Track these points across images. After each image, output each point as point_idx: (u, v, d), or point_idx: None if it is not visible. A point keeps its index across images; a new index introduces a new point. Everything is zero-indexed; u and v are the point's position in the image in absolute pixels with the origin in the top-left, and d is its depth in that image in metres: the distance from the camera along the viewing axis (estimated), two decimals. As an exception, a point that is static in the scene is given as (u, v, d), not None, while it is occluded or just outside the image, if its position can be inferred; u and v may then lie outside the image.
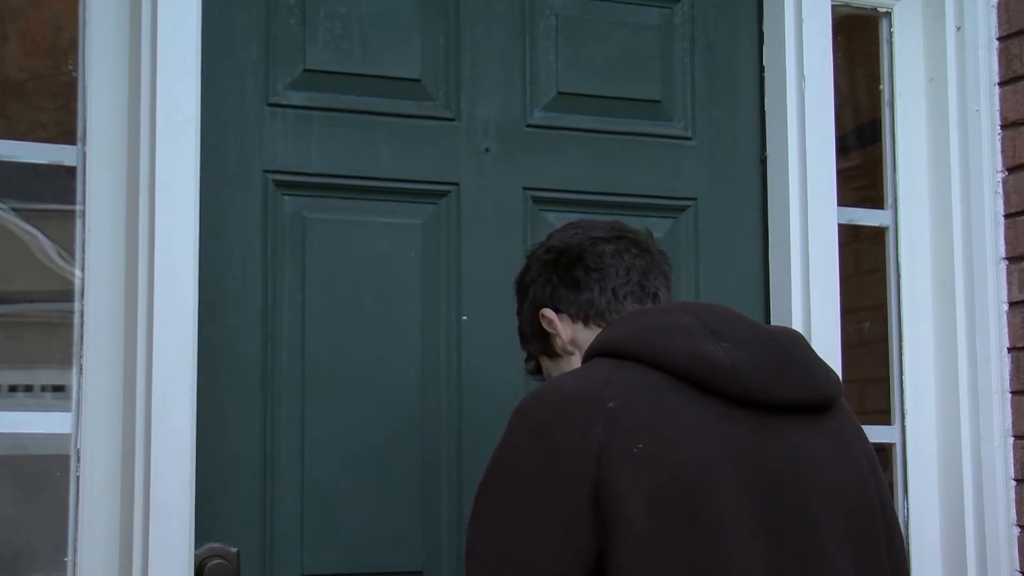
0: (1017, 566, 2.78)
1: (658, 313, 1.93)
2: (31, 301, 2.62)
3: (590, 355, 1.92)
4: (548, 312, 2.08)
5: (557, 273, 2.08)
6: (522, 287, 2.15)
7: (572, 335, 2.07)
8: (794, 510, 1.83)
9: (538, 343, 2.12)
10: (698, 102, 2.78)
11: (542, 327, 2.09)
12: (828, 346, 2.67)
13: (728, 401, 1.82)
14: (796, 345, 1.91)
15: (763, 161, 2.78)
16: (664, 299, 2.07)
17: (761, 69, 2.81)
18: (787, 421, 1.85)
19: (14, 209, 2.54)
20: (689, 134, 2.78)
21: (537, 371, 2.16)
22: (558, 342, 2.08)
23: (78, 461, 2.25)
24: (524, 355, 2.17)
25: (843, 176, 2.80)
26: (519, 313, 2.16)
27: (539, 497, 1.78)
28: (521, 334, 2.16)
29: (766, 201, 2.78)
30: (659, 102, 2.75)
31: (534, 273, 2.12)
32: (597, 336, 1.94)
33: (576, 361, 2.05)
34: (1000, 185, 2.86)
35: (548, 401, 1.83)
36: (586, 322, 2.05)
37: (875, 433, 2.87)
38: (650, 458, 1.77)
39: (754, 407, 1.83)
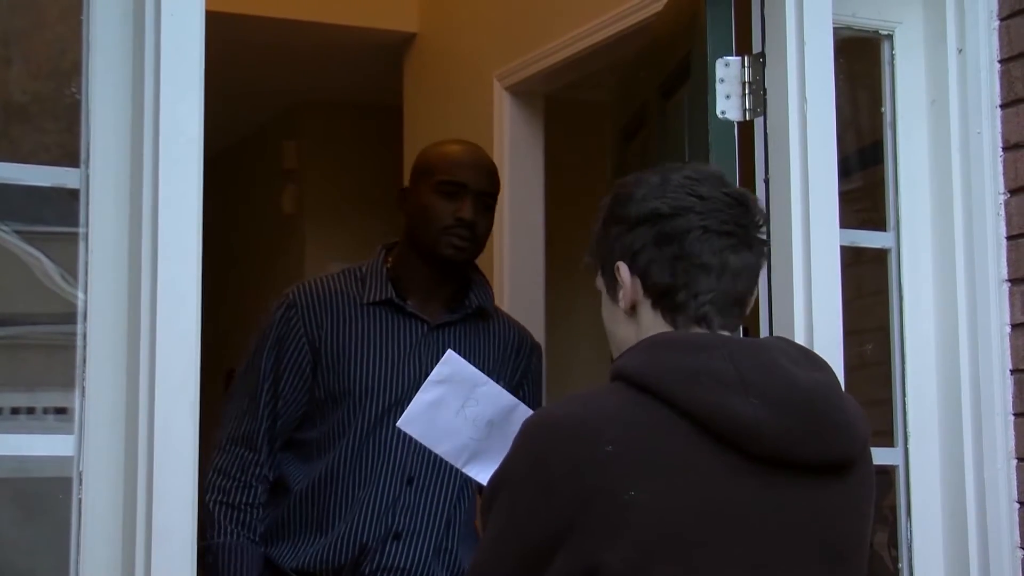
0: (1021, 588, 2.78)
1: (692, 349, 1.86)
2: (33, 323, 2.61)
3: (614, 376, 1.89)
4: (624, 270, 1.96)
5: (652, 239, 1.94)
6: (615, 215, 1.98)
7: (636, 303, 1.96)
8: (798, 569, 1.83)
9: (606, 275, 2.00)
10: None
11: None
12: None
13: (745, 456, 1.80)
14: (827, 403, 1.86)
15: (766, 182, 2.79)
16: (746, 305, 1.97)
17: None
18: (807, 478, 1.83)
19: (17, 231, 2.53)
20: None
21: (593, 270, 2.05)
22: (621, 299, 1.97)
23: (80, 484, 2.25)
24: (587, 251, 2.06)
25: (845, 198, 2.80)
26: (604, 225, 2.00)
27: (519, 529, 1.83)
28: (598, 245, 2.02)
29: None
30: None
31: (632, 213, 1.96)
32: (624, 357, 1.91)
33: (629, 328, 1.96)
34: (1002, 207, 2.86)
35: (551, 431, 1.84)
36: (655, 304, 1.95)
37: (878, 455, 2.83)
38: (643, 506, 1.77)
39: (772, 463, 1.81)
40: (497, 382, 3.06)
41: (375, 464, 3.02)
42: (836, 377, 1.95)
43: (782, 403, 1.81)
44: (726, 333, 1.95)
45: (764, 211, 2.00)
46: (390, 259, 3.16)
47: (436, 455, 2.98)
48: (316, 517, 3.03)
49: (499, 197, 4.31)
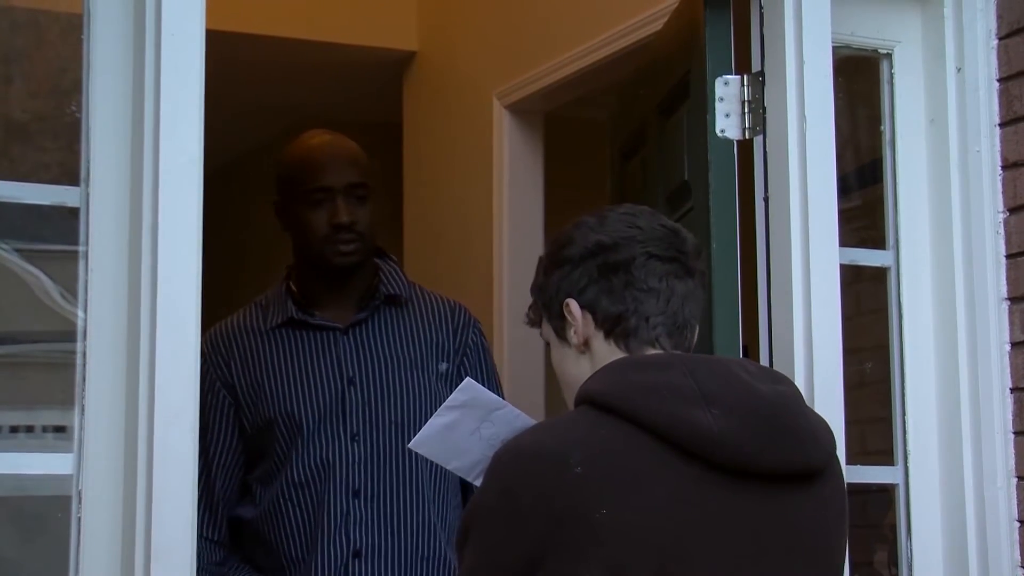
0: (1021, 607, 2.77)
1: (653, 368, 1.91)
2: (33, 342, 2.61)
3: (579, 400, 1.92)
4: (574, 306, 2.01)
5: (598, 271, 2.00)
6: (559, 258, 2.05)
7: (588, 338, 2.01)
8: None
9: (554, 319, 2.04)
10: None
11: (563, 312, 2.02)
12: (830, 387, 2.66)
13: (712, 467, 1.82)
14: (789, 412, 1.90)
15: (766, 200, 2.79)
16: (692, 330, 2.02)
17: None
18: (774, 488, 1.86)
19: (16, 250, 2.53)
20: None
21: (536, 324, 2.10)
22: (573, 337, 2.02)
23: (79, 502, 2.24)
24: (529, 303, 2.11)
25: (844, 216, 2.80)
26: (545, 274, 2.07)
27: (495, 558, 1.84)
28: (541, 293, 2.07)
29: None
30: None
31: (575, 252, 2.02)
32: (589, 381, 1.93)
33: (583, 364, 2.00)
34: (1001, 226, 2.86)
35: (519, 461, 1.86)
36: (608, 335, 1.99)
37: (877, 474, 2.87)
38: (614, 523, 1.78)
39: (739, 474, 1.83)
40: (437, 364, 2.96)
41: (320, 481, 2.89)
42: (797, 390, 1.98)
43: (742, 412, 1.84)
44: (680, 353, 2.01)
45: (697, 243, 2.07)
46: (293, 277, 3.05)
47: (386, 468, 2.90)
48: (273, 546, 2.91)
49: (499, 215, 4.23)
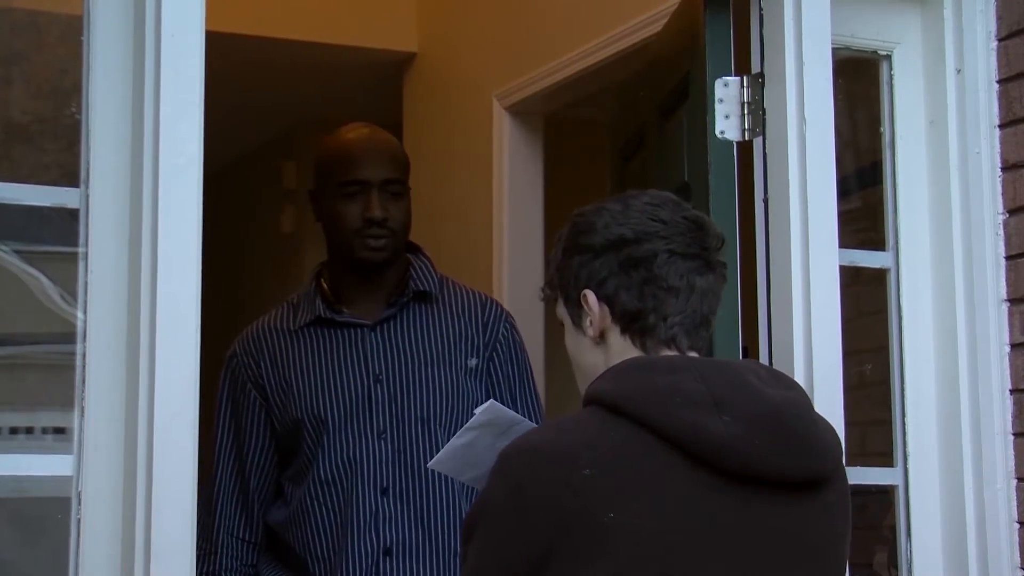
0: (1021, 609, 2.77)
1: (665, 371, 1.89)
2: (33, 343, 2.61)
3: (588, 400, 1.91)
4: (591, 298, 1.98)
5: (619, 265, 1.97)
6: (579, 244, 2.01)
7: (604, 330, 1.98)
8: None
9: (570, 306, 2.02)
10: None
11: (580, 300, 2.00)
12: (830, 389, 2.66)
13: (721, 473, 1.81)
14: (799, 419, 1.89)
15: (765, 202, 2.79)
16: (709, 326, 2.00)
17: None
18: (781, 495, 1.85)
19: (16, 251, 2.54)
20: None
21: (551, 301, 2.08)
22: (589, 328, 1.99)
23: (79, 504, 2.24)
24: (545, 280, 2.08)
25: (844, 218, 2.80)
26: (564, 255, 2.03)
27: (500, 557, 1.83)
28: (560, 274, 2.04)
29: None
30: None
31: (597, 241, 1.99)
32: (599, 381, 1.92)
33: (597, 354, 1.99)
34: (1001, 227, 2.86)
35: (527, 459, 1.84)
36: (624, 330, 1.97)
37: (877, 475, 2.87)
38: (622, 528, 1.77)
39: (748, 480, 1.82)
40: (466, 359, 2.97)
41: (347, 479, 2.89)
42: (806, 396, 1.97)
43: (753, 420, 1.83)
44: (694, 354, 1.99)
45: (720, 234, 2.04)
46: (325, 274, 3.05)
47: (414, 464, 2.90)
48: (301, 545, 2.91)
49: (499, 216, 4.21)
